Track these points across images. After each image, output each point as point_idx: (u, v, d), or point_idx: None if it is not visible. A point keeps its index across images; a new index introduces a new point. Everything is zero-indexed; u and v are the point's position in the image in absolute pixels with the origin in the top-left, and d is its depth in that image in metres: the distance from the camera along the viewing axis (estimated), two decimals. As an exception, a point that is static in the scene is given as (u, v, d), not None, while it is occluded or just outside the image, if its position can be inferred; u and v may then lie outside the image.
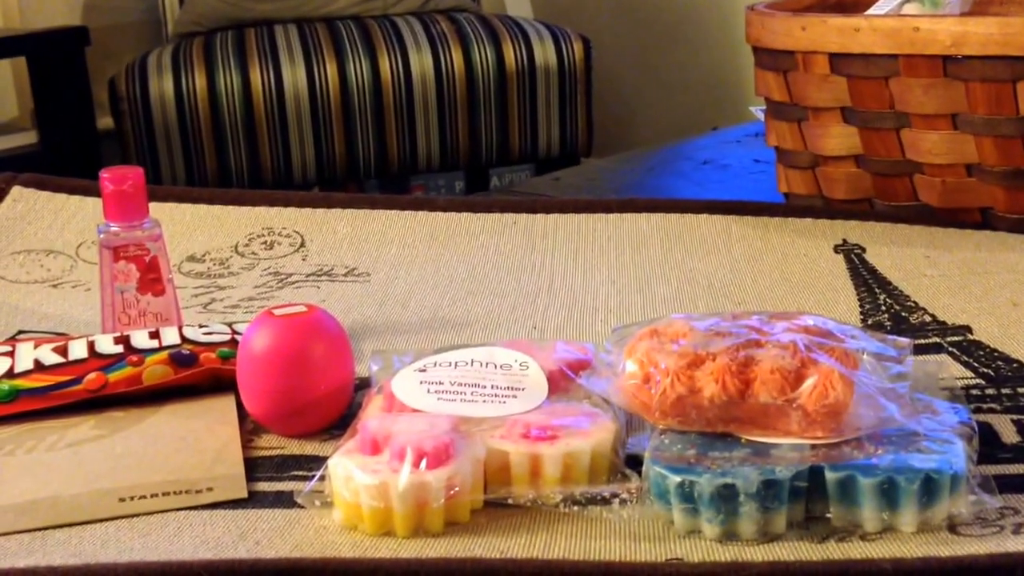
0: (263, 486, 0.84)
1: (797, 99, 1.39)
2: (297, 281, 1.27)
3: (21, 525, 0.78)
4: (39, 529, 0.78)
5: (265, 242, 1.36)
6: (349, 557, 0.73)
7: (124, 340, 0.98)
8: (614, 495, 0.76)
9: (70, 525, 0.79)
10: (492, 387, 0.84)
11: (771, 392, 0.76)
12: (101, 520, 0.79)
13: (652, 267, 1.29)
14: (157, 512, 0.80)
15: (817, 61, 1.33)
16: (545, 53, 2.91)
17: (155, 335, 0.98)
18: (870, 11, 1.48)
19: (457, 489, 0.75)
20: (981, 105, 1.25)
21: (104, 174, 1.04)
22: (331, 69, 2.79)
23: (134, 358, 0.95)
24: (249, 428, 0.91)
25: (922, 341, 1.06)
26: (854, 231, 1.37)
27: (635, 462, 0.79)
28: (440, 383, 0.85)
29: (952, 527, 0.74)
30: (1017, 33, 1.22)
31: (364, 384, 0.95)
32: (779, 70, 1.40)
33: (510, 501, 0.77)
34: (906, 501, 0.73)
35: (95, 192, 1.12)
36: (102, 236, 1.04)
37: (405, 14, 3.06)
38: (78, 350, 0.97)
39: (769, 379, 0.76)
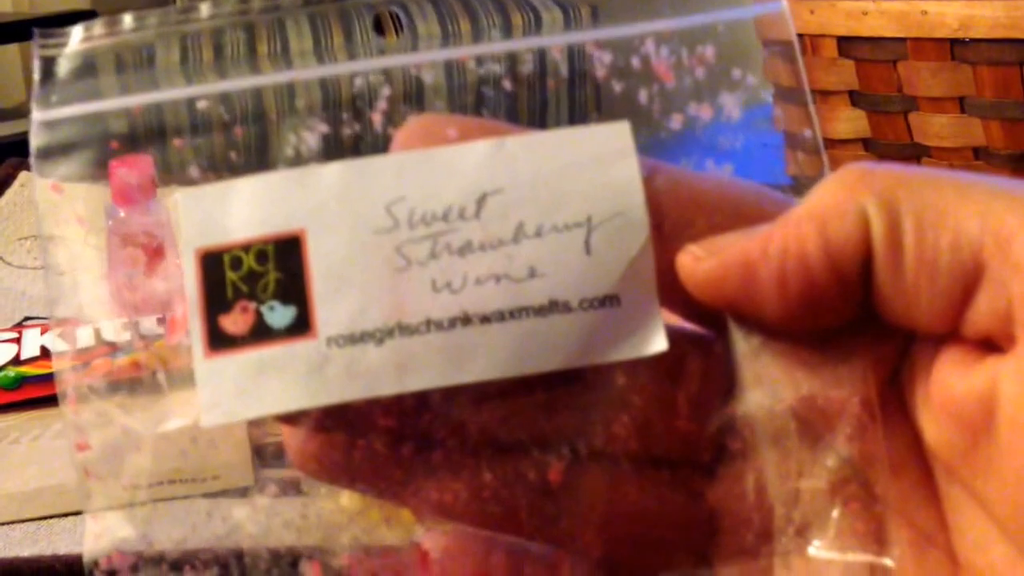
0: (270, 472, 0.83)
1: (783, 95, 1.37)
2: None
3: (26, 513, 0.78)
4: (44, 518, 0.77)
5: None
6: (355, 542, 0.72)
7: (131, 326, 0.97)
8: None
9: (75, 513, 0.78)
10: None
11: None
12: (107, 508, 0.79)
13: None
14: (162, 500, 0.80)
15: (825, 45, 1.32)
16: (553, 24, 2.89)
17: (162, 321, 0.98)
18: (878, -6, 1.47)
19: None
20: (988, 88, 1.24)
21: (112, 160, 1.03)
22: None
23: (140, 344, 0.95)
24: (255, 415, 0.91)
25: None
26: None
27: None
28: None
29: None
30: (1024, 16, 1.21)
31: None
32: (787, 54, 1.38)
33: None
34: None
35: (103, 178, 1.11)
36: (110, 222, 1.03)
37: None
38: (84, 337, 0.96)
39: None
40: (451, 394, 0.31)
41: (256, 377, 0.31)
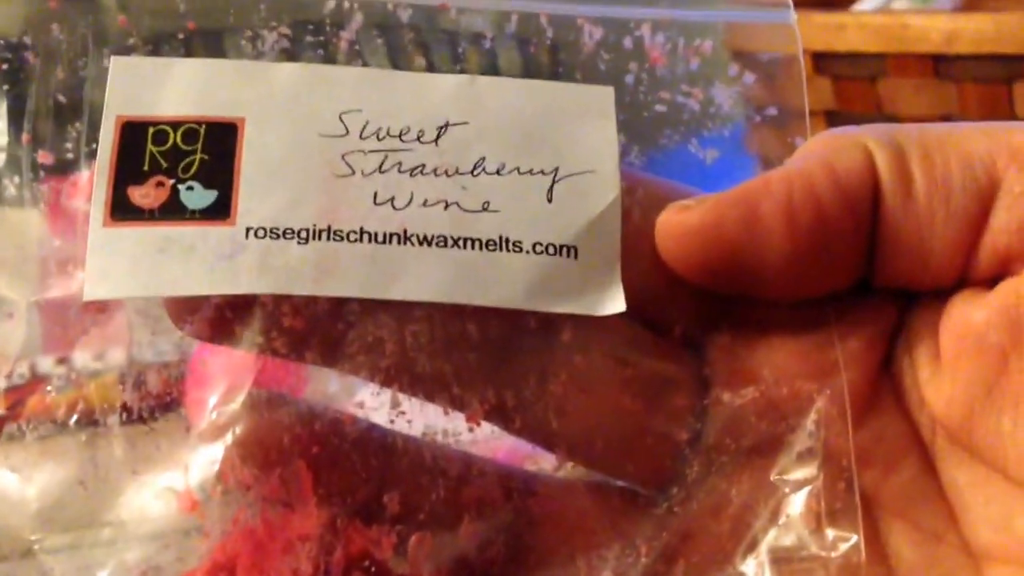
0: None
1: (779, 102, 1.33)
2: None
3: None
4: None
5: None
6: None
7: (66, 361, 0.91)
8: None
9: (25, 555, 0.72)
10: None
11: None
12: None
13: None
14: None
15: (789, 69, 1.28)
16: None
17: (100, 356, 0.92)
18: (857, 6, 1.43)
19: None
20: (974, 107, 1.19)
21: (42, 186, 0.98)
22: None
23: (76, 379, 0.89)
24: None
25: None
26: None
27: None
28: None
29: None
30: (1012, 30, 1.16)
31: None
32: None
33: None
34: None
35: (35, 204, 1.05)
36: (44, 252, 0.97)
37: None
38: (19, 372, 0.90)
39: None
40: (371, 309, 0.29)
41: (158, 254, 0.29)
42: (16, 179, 0.33)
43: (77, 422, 0.86)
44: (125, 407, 0.81)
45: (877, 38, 1.21)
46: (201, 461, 0.31)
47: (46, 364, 0.97)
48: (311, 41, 0.32)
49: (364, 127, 0.29)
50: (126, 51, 0.31)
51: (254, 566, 0.29)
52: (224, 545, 0.29)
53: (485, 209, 0.29)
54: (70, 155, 0.31)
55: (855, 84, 1.25)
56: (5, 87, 0.32)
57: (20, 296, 0.38)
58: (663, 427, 0.30)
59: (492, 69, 0.32)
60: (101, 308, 0.96)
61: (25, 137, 0.32)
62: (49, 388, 0.92)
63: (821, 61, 1.26)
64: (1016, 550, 0.28)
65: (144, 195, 0.29)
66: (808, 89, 1.12)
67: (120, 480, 0.42)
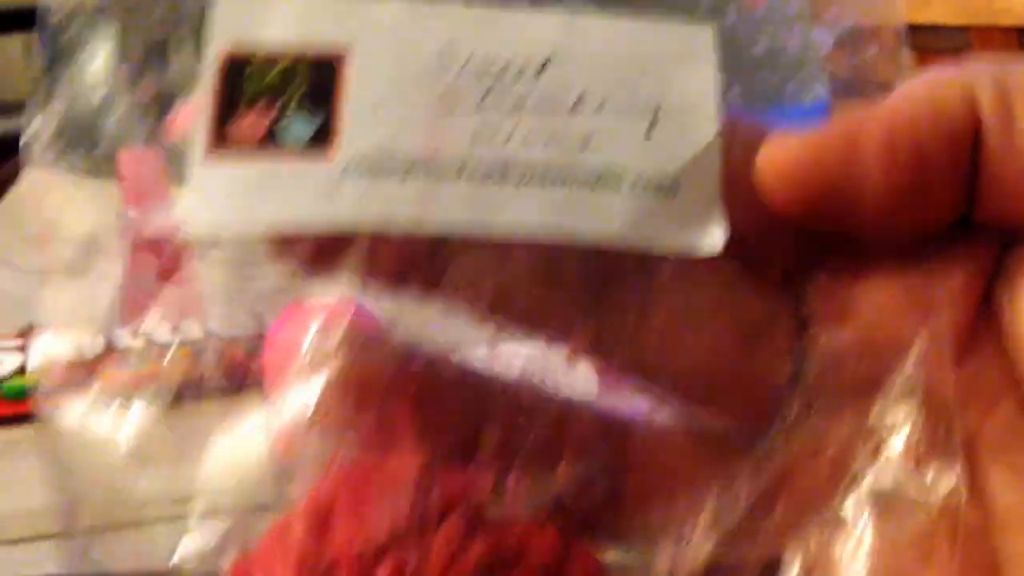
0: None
1: (878, 42, 1.31)
2: (330, 271, 1.21)
3: (36, 531, 0.73)
4: (55, 535, 0.72)
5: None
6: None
7: (142, 334, 0.92)
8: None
9: (90, 530, 0.73)
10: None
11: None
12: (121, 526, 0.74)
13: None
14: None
15: (885, 33, 1.26)
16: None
17: (175, 329, 0.93)
18: (940, -20, 1.41)
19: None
20: (1059, 80, 1.18)
21: (122, 156, 0.98)
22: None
23: (154, 353, 0.90)
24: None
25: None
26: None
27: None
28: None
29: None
30: (1097, 2, 1.15)
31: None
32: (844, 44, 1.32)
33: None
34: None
35: (113, 174, 1.06)
36: (121, 222, 0.98)
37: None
38: (95, 345, 0.91)
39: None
40: (470, 246, 0.28)
41: (258, 189, 0.28)
42: (117, 114, 0.33)
43: (156, 391, 0.86)
44: (203, 377, 0.81)
45: (961, 11, 1.19)
46: (296, 403, 0.30)
47: (122, 337, 0.98)
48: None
49: (466, 63, 0.29)
50: None
51: (351, 509, 0.28)
52: (320, 488, 0.29)
53: (585, 147, 0.28)
54: (171, 89, 0.31)
55: (938, 57, 1.22)
56: (105, 21, 0.31)
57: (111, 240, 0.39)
58: (762, 368, 0.30)
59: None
60: (177, 279, 0.96)
61: (125, 71, 0.31)
62: (127, 356, 0.93)
63: (906, 33, 1.24)
64: None
65: (245, 128, 0.28)
66: (893, 61, 1.10)
67: (204, 446, 0.42)
